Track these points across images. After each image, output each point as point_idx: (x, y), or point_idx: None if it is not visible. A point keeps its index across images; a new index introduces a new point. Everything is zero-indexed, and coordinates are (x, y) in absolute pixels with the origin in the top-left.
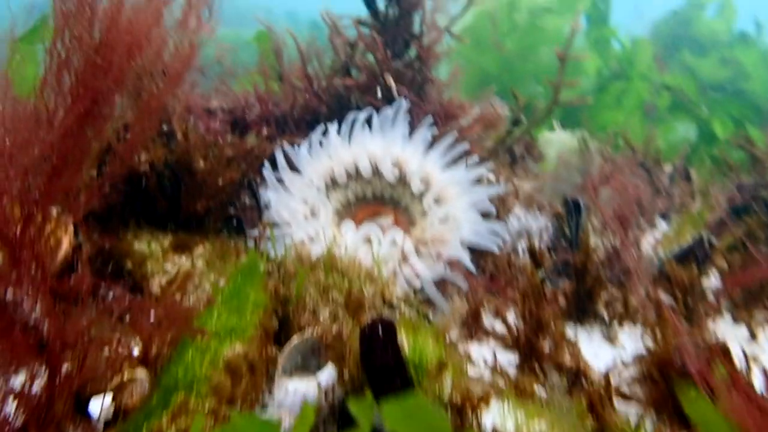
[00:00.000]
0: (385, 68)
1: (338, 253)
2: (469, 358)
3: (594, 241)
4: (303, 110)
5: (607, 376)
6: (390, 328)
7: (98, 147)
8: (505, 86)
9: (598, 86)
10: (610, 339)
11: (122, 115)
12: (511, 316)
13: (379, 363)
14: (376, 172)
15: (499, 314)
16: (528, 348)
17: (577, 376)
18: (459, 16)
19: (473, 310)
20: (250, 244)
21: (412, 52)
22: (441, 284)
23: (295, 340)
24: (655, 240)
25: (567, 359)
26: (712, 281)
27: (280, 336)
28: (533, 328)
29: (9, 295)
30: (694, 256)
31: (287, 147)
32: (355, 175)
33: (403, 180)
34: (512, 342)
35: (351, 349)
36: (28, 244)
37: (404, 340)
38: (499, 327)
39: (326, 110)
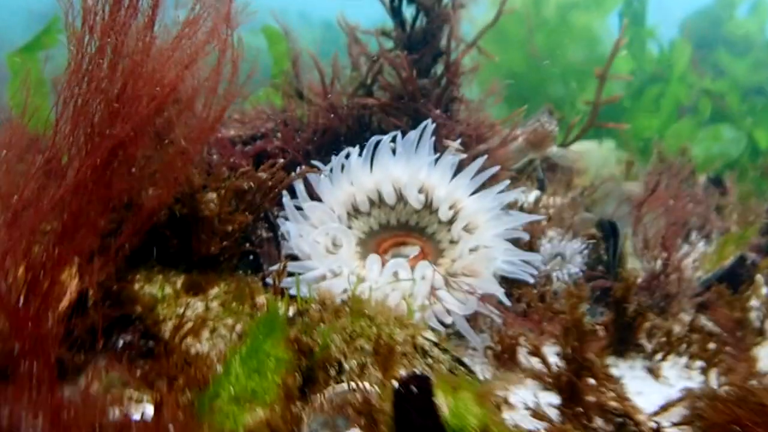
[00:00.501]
0: (411, 87)
1: (364, 294)
2: (506, 402)
3: (632, 265)
4: (323, 133)
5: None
6: (426, 387)
7: (116, 203)
8: (533, 86)
9: (633, 90)
10: (654, 373)
11: (145, 168)
12: (548, 352)
13: (416, 430)
14: (401, 198)
15: (536, 353)
16: (570, 390)
17: (623, 420)
18: (488, 27)
19: (508, 347)
20: (269, 281)
21: (439, 67)
22: (472, 317)
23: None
24: (694, 260)
25: (612, 402)
26: (753, 303)
27: (304, 391)
28: (576, 369)
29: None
30: (737, 277)
31: (306, 173)
32: (378, 202)
33: (429, 206)
34: (553, 383)
35: (382, 409)
36: (33, 317)
37: (443, 400)
38: (536, 363)
39: (346, 131)
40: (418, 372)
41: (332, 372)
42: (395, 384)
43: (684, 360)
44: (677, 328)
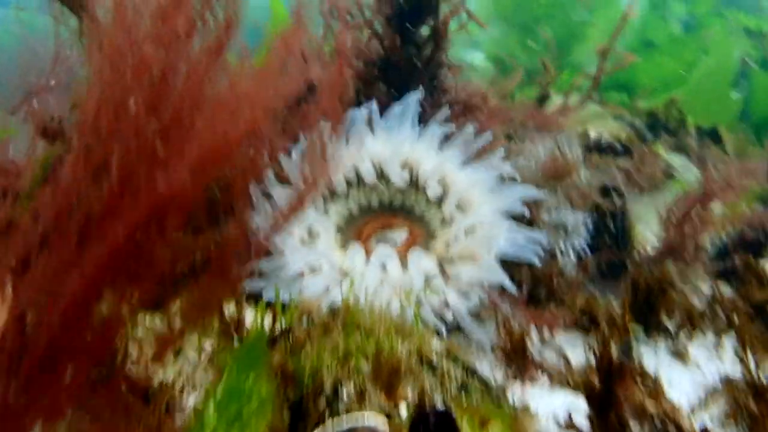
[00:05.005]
0: (395, 56)
1: (354, 299)
2: (527, 410)
3: (643, 233)
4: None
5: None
6: (450, 426)
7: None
8: (533, 14)
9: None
10: (681, 357)
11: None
12: (562, 340)
13: None
14: (382, 176)
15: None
16: (601, 393)
17: (663, 424)
18: None
19: (518, 341)
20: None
21: (424, 29)
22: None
23: None
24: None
25: (649, 404)
26: None
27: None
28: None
29: None
30: (752, 240)
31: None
32: (357, 182)
33: (415, 184)
34: (581, 386)
35: None
36: None
37: None
38: (551, 358)
39: None
40: (438, 407)
41: (324, 402)
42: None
43: (711, 337)
44: (697, 301)
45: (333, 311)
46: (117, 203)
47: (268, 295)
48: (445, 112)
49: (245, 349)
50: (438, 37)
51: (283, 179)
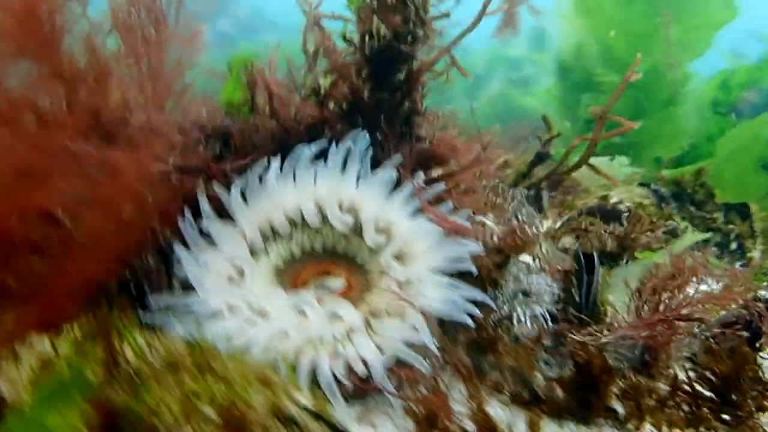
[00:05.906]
0: (364, 100)
1: (217, 344)
2: None
3: (614, 306)
4: (267, 143)
5: None
6: None
7: None
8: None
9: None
10: None
11: None
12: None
13: None
14: (326, 219)
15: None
16: None
17: None
18: (466, 31)
19: (435, 409)
20: (149, 318)
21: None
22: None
23: None
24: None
25: None
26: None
27: None
28: None
29: None
30: (747, 324)
31: (216, 188)
32: (301, 223)
33: (358, 230)
34: None
35: None
36: None
37: None
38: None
39: (295, 144)
40: None
41: None
42: None
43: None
44: (664, 387)
45: (190, 349)
46: None
47: (176, 330)
48: (397, 158)
49: (57, 381)
50: (410, 83)
51: (221, 213)
